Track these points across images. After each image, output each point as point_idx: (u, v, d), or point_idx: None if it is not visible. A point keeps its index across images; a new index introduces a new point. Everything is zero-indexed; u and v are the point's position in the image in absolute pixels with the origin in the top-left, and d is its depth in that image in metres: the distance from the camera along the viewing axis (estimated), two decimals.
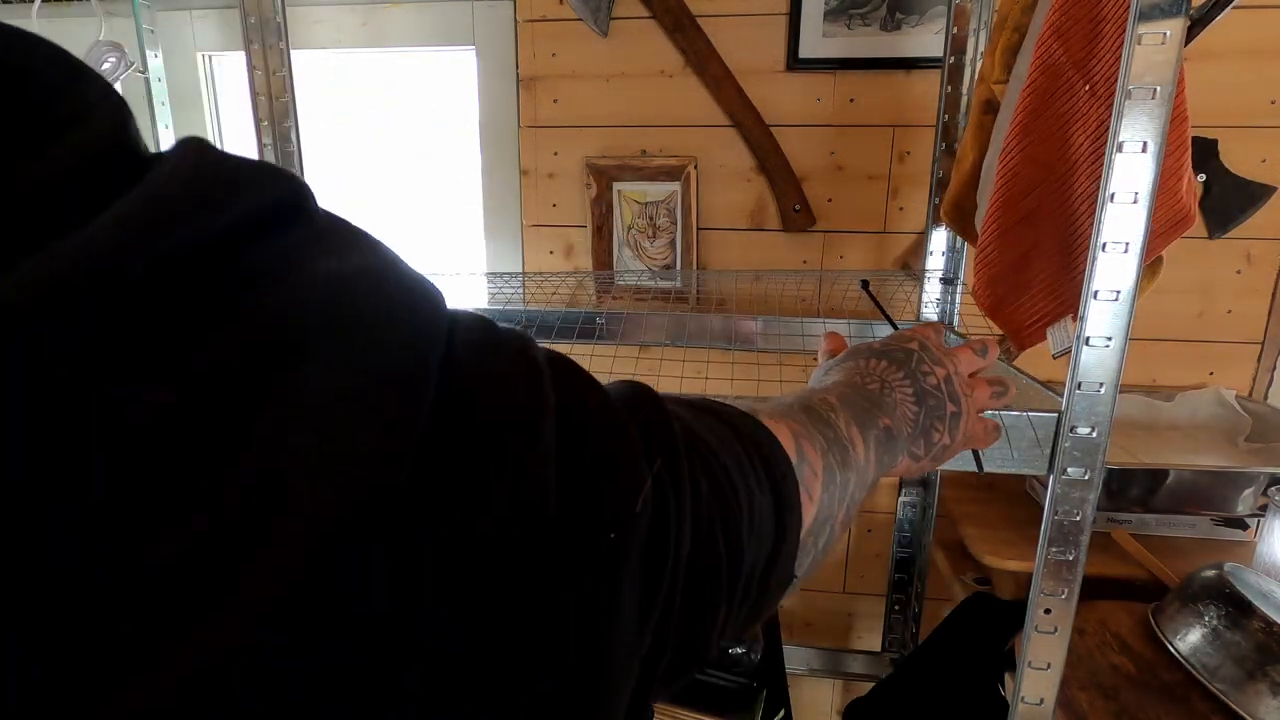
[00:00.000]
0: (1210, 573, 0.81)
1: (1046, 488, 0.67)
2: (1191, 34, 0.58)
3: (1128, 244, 0.60)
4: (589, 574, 0.19)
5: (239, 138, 1.38)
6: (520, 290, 1.27)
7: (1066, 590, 0.68)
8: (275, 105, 1.12)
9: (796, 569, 0.30)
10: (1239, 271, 1.14)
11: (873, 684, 1.18)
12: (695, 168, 1.21)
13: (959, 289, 1.12)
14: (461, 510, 0.16)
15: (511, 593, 0.17)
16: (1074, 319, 0.77)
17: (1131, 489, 1.01)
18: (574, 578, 0.19)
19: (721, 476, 0.26)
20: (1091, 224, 0.69)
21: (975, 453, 0.59)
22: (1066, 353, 0.74)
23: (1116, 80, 0.64)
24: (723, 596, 0.24)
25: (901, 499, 1.30)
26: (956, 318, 1.12)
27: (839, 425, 0.36)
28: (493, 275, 1.30)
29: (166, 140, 1.12)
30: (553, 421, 0.19)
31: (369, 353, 0.16)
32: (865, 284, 0.79)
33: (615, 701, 0.20)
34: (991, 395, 0.49)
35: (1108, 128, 0.66)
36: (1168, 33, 0.55)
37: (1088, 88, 0.67)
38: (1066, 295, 0.76)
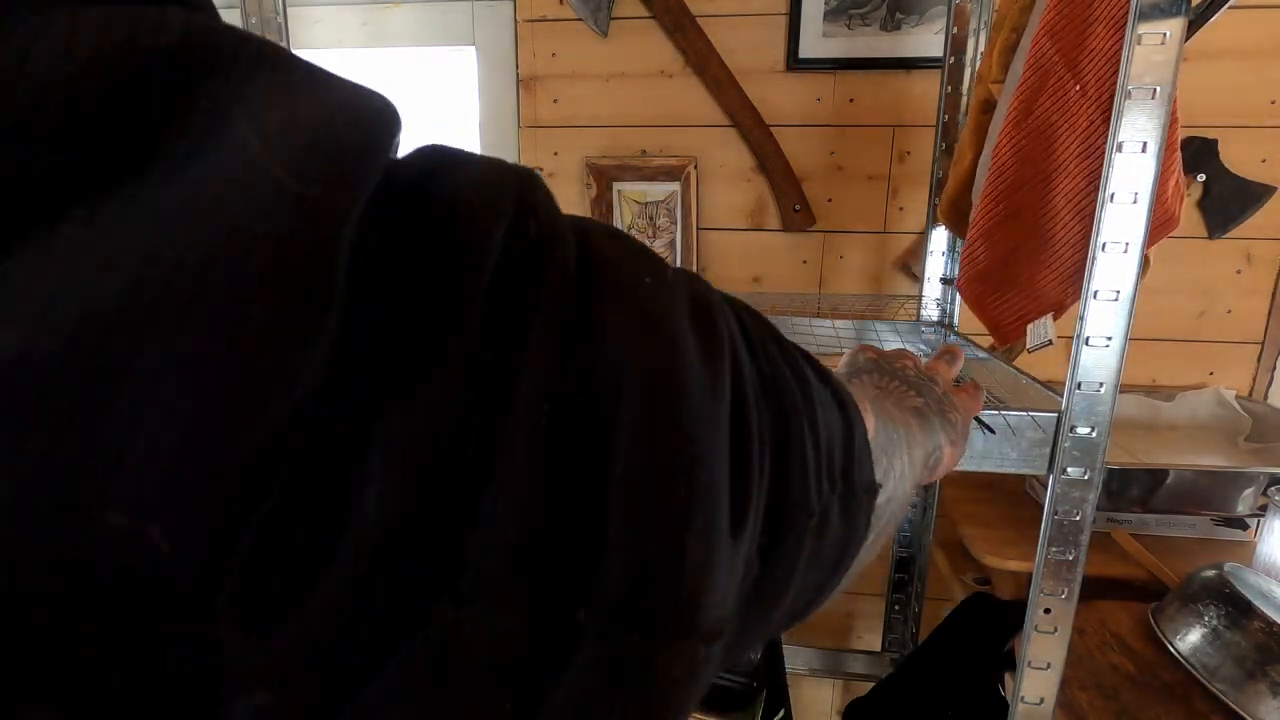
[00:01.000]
0: (1210, 573, 0.81)
1: (1046, 487, 0.67)
2: (1188, 34, 0.58)
3: (1127, 244, 0.60)
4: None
5: None
6: None
7: (1066, 590, 0.68)
8: None
9: (878, 475, 0.29)
10: (1239, 271, 1.14)
11: (873, 684, 1.18)
12: (695, 168, 1.21)
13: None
14: None
15: None
16: (1054, 316, 0.77)
17: (1131, 489, 1.01)
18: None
19: (764, 332, 0.24)
20: (1075, 224, 0.69)
21: (978, 419, 0.59)
22: (1042, 347, 0.75)
23: (1107, 81, 0.64)
24: (806, 433, 0.22)
25: None
26: (956, 318, 1.12)
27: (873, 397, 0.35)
28: None
29: None
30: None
31: None
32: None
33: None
34: (975, 398, 0.49)
35: (1097, 128, 0.66)
36: (1167, 33, 0.55)
37: (1078, 87, 0.67)
38: (1047, 293, 0.77)
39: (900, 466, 0.33)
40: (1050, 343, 0.77)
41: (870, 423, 0.30)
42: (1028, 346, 0.78)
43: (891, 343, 1.13)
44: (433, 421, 0.14)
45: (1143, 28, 0.56)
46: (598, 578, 0.15)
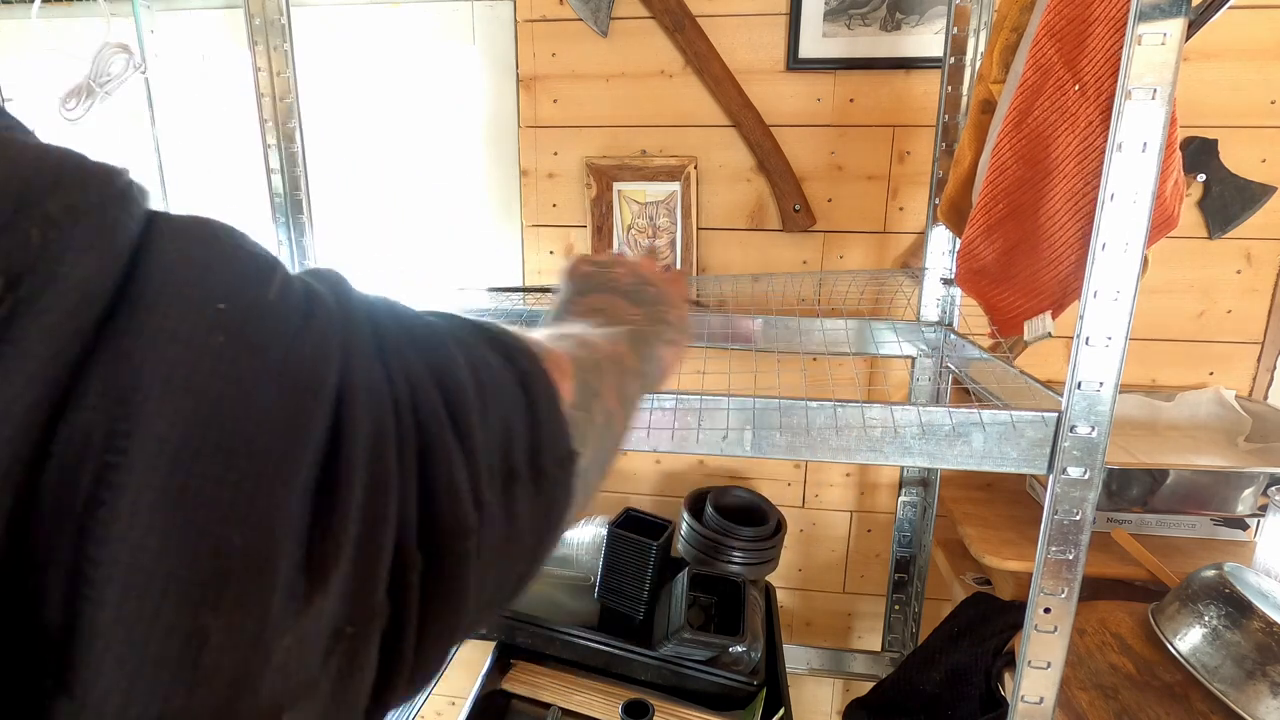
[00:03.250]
0: (1210, 573, 0.81)
1: (1046, 487, 0.67)
2: (1188, 34, 0.58)
3: (1128, 244, 0.60)
4: None
5: (239, 137, 1.38)
6: (521, 299, 1.27)
7: (1066, 589, 0.68)
8: (279, 106, 1.12)
9: (574, 444, 0.29)
10: (1239, 271, 1.14)
11: (873, 683, 1.18)
12: (695, 168, 1.21)
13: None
14: None
15: None
16: (1053, 313, 0.77)
17: (1131, 489, 1.01)
18: None
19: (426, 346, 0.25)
20: (1074, 223, 0.69)
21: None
22: (1039, 339, 0.75)
23: (1106, 80, 0.64)
24: (455, 454, 0.23)
25: (902, 499, 1.30)
26: (957, 317, 1.12)
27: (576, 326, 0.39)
28: (494, 291, 1.31)
29: (165, 140, 1.12)
30: None
31: None
32: None
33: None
34: (680, 283, 0.54)
35: (1096, 128, 0.66)
36: (1167, 33, 0.56)
37: (1078, 87, 0.67)
38: (1047, 292, 0.77)
39: (605, 413, 0.34)
40: (1049, 334, 0.77)
41: (569, 387, 0.30)
42: (1025, 339, 0.78)
43: (890, 342, 1.13)
44: None
45: (1142, 28, 0.56)
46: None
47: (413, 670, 0.22)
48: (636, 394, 0.39)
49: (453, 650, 0.29)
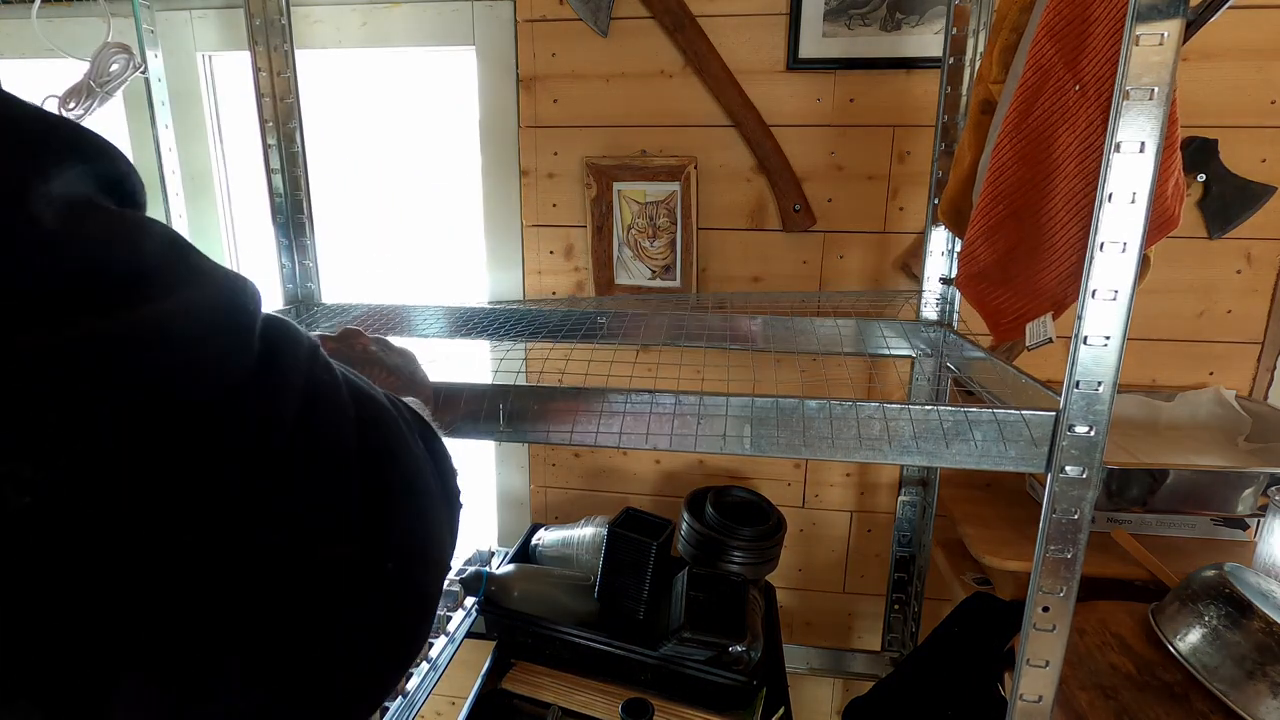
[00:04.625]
0: (1210, 573, 0.81)
1: (1045, 486, 0.67)
2: (1187, 34, 0.58)
3: (1125, 243, 0.60)
4: None
5: (239, 137, 1.38)
6: (522, 300, 1.27)
7: (1065, 588, 0.68)
8: (280, 106, 1.12)
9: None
10: (1239, 271, 1.14)
11: (873, 683, 1.18)
12: (695, 168, 1.21)
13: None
14: None
15: None
16: (1054, 315, 0.77)
17: (1131, 489, 1.01)
18: None
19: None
20: (1074, 223, 0.69)
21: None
22: (1041, 345, 0.75)
23: (1106, 80, 0.64)
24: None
25: (901, 499, 1.30)
26: (955, 318, 1.12)
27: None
28: (495, 304, 1.31)
29: (166, 140, 1.12)
30: None
31: None
32: None
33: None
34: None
35: (1096, 128, 0.66)
36: (1165, 33, 0.56)
37: (1078, 87, 0.67)
38: (1048, 292, 0.77)
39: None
40: (1050, 340, 0.77)
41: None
42: (1027, 344, 0.78)
43: (889, 342, 1.13)
44: None
45: (1140, 28, 0.56)
46: None
47: None
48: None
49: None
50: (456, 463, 0.42)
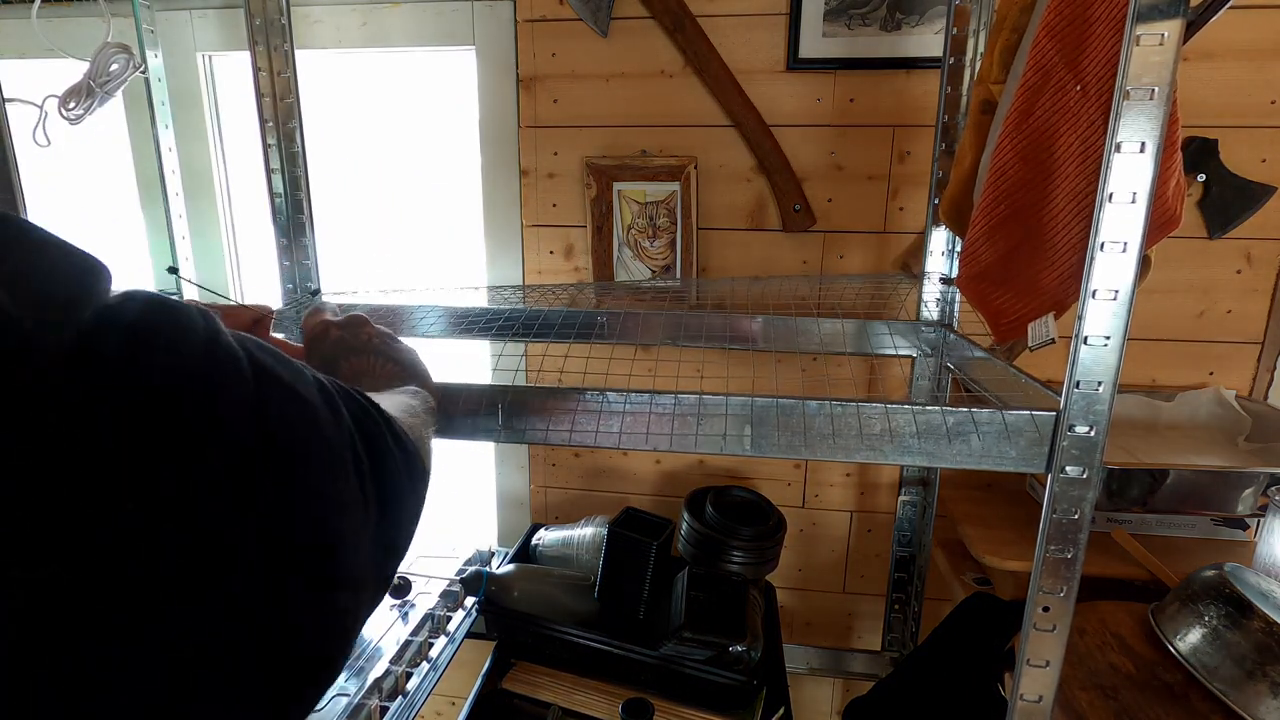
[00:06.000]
0: (1210, 573, 0.81)
1: (1045, 486, 0.67)
2: (1187, 34, 0.58)
3: (1125, 243, 0.60)
4: None
5: (239, 137, 1.38)
6: (521, 297, 1.27)
7: (1065, 588, 0.68)
8: (280, 106, 1.12)
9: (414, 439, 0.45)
10: (1239, 271, 1.14)
11: (873, 683, 1.18)
12: (695, 168, 1.21)
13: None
14: None
15: None
16: (1055, 315, 0.77)
17: (1131, 489, 1.01)
18: None
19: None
20: (1076, 223, 0.69)
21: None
22: (1044, 346, 0.75)
23: (1107, 80, 0.64)
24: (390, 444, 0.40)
25: (901, 499, 1.30)
26: (956, 318, 1.12)
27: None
28: (494, 289, 1.31)
29: (166, 140, 1.12)
30: None
31: None
32: None
33: None
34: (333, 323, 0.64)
35: (1097, 127, 0.66)
36: (1165, 33, 0.56)
37: (1079, 87, 0.67)
38: (1049, 293, 0.77)
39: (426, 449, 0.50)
40: (1052, 341, 0.76)
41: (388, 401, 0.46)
42: (1029, 345, 0.78)
43: (889, 342, 1.13)
44: None
45: (1140, 28, 0.56)
46: None
47: None
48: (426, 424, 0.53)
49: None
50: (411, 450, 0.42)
